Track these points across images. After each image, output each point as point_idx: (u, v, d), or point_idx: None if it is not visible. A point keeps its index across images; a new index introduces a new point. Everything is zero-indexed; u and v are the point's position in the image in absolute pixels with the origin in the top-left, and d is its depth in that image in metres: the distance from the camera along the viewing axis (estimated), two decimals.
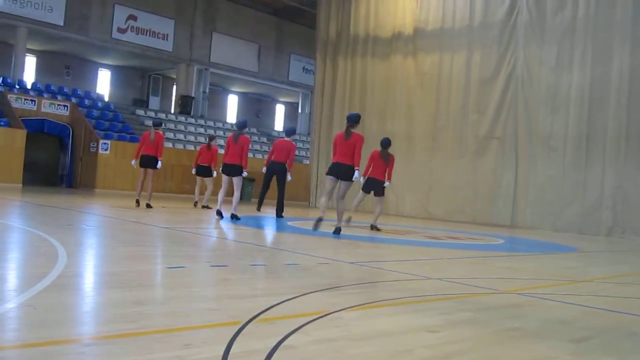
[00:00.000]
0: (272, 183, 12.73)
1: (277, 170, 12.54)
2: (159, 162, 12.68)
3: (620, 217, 14.53)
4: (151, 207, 12.33)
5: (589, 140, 15.08)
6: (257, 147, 28.28)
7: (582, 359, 2.89)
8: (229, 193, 11.09)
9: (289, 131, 13.37)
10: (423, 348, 2.80)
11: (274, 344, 2.63)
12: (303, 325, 3.00)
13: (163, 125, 25.34)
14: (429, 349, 2.79)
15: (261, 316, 3.21)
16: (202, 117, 28.81)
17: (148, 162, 12.67)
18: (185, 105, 28.31)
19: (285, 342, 2.68)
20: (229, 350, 2.48)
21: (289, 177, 12.55)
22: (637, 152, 14.40)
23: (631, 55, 14.48)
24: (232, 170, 10.65)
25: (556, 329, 3.46)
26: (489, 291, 4.73)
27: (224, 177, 10.84)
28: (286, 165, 12.50)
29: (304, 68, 32.63)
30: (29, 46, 24.32)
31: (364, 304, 3.74)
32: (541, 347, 3.01)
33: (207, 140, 15.29)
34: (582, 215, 15.05)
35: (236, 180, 10.65)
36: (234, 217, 10.58)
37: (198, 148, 23.12)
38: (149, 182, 12.70)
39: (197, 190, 15.12)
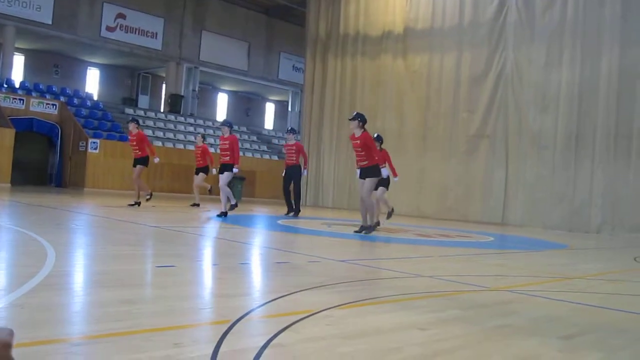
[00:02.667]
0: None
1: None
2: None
3: (610, 215, 14.63)
4: (133, 205, 12.53)
5: (579, 138, 15.17)
6: (247, 145, 28.20)
7: (572, 355, 2.90)
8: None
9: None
10: (413, 346, 2.80)
11: (264, 342, 2.62)
12: (293, 324, 2.99)
13: (153, 123, 25.38)
14: (419, 347, 2.78)
15: (251, 314, 3.20)
16: (191, 115, 28.70)
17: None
18: (175, 104, 28.17)
19: (275, 341, 2.67)
20: (218, 349, 2.47)
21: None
22: (626, 150, 14.50)
23: (620, 53, 14.57)
24: None
25: (546, 325, 3.47)
26: (480, 288, 4.74)
27: None
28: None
29: (293, 66, 32.56)
30: (17, 45, 24.10)
31: (354, 302, 3.74)
32: (531, 343, 3.02)
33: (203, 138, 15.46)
34: (572, 213, 15.14)
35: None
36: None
37: (188, 147, 23.25)
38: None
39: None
